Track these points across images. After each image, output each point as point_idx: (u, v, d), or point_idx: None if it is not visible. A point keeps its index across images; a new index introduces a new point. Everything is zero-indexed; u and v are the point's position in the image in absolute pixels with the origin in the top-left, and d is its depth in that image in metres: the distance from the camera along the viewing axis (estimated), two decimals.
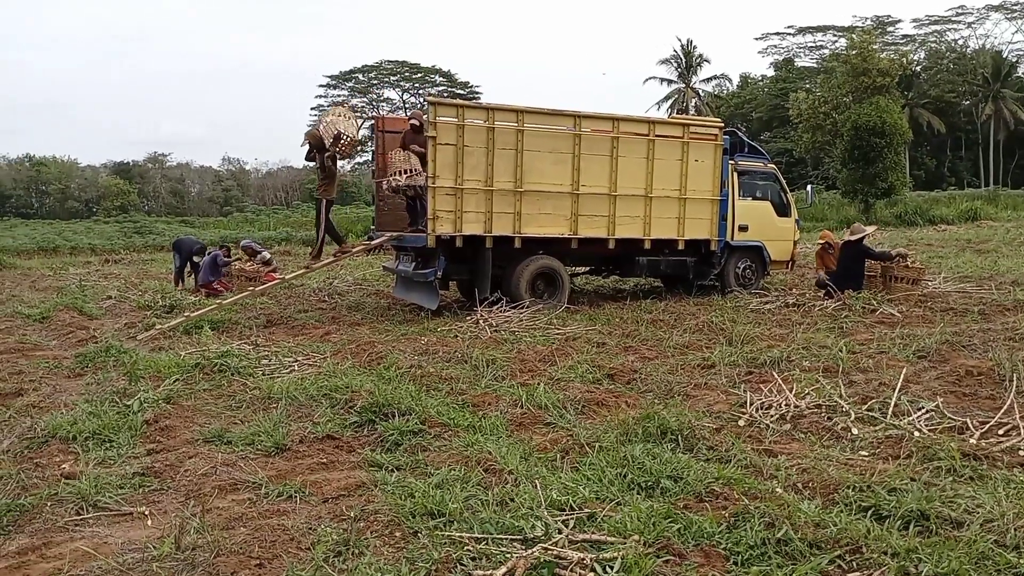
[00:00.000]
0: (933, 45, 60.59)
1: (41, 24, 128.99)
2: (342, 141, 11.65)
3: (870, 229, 13.55)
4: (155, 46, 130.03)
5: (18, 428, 5.81)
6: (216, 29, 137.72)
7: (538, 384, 6.78)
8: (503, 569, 3.34)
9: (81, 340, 9.76)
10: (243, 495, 4.54)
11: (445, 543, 3.69)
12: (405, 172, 11.51)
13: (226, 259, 14.87)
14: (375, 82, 66.07)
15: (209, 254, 14.96)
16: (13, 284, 17.56)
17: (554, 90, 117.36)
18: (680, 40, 71.89)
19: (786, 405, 6.00)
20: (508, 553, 3.53)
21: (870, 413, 5.75)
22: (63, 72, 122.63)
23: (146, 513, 4.30)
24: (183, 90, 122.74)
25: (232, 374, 7.48)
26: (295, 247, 28.27)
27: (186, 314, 10.66)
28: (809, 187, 20.18)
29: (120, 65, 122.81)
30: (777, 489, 4.28)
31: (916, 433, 5.24)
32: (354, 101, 65.94)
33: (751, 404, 6.10)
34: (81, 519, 4.23)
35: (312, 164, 12.77)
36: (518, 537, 3.70)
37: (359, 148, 12.32)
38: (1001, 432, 5.24)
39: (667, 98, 65.14)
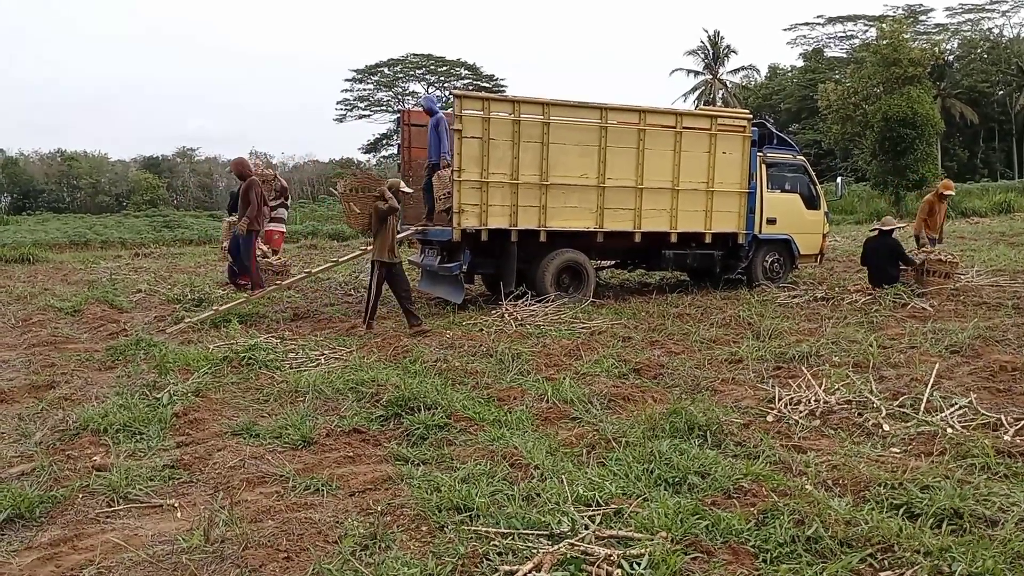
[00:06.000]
0: (966, 34, 59.47)
1: (69, 25, 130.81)
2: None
3: (901, 224, 13.33)
4: (182, 42, 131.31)
5: (50, 420, 5.90)
6: (239, 24, 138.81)
7: (564, 378, 6.76)
8: (529, 564, 3.34)
9: (112, 333, 9.88)
10: (271, 488, 4.57)
11: (471, 538, 3.69)
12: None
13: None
14: (400, 76, 66.09)
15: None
16: (45, 277, 17.83)
17: (579, 83, 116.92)
18: (707, 31, 71.31)
19: (815, 401, 5.93)
20: (534, 548, 3.52)
21: (902, 409, 5.67)
22: (93, 69, 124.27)
23: (176, 505, 4.35)
24: (210, 85, 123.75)
25: (260, 367, 7.54)
26: (321, 240, 28.41)
27: (214, 308, 10.76)
28: (839, 179, 19.94)
29: (149, 61, 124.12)
30: (807, 486, 4.24)
31: (949, 430, 5.16)
32: (380, 95, 66.15)
33: (780, 399, 6.04)
34: (112, 511, 4.28)
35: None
36: (544, 532, 3.69)
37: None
38: None
39: (694, 89, 64.61)
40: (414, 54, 64.87)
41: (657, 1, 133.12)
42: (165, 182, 61.58)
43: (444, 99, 59.73)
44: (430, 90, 65.72)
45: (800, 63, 65.33)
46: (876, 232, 12.05)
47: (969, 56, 57.17)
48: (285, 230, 14.84)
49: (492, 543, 3.61)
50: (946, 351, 7.61)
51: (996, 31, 59.46)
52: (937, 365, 6.64)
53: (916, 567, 3.33)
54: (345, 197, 11.00)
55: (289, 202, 15.12)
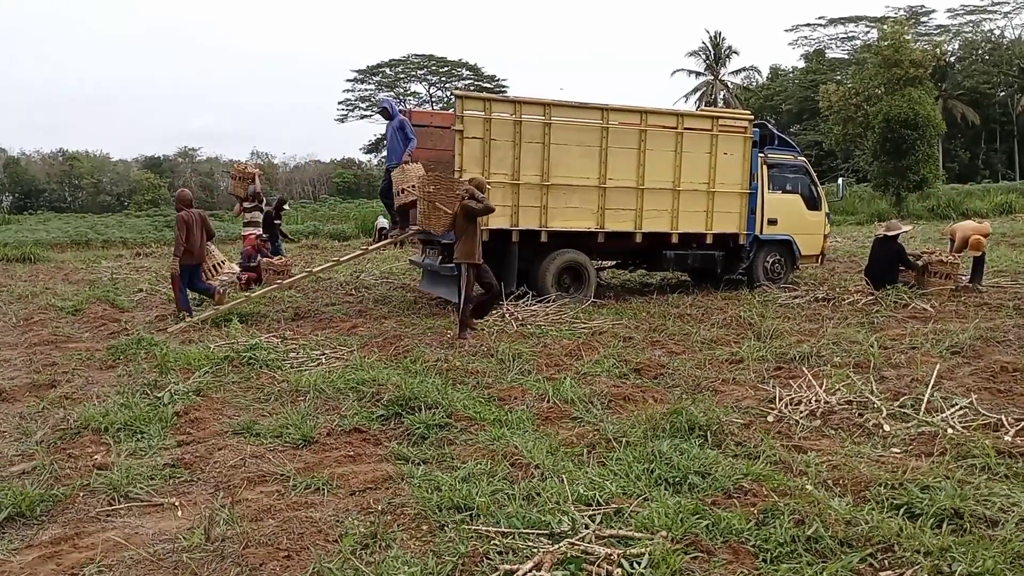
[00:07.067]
0: (968, 35, 59.44)
1: (69, 25, 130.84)
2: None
3: (907, 227, 13.26)
4: (182, 42, 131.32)
5: (51, 419, 5.91)
6: (239, 24, 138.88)
7: (564, 378, 6.76)
8: (530, 564, 3.34)
9: (113, 332, 9.89)
10: (271, 487, 4.57)
11: (472, 537, 3.69)
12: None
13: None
14: (402, 76, 66.19)
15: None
16: (47, 277, 17.84)
17: (580, 83, 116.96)
18: (709, 32, 71.34)
19: (816, 401, 5.93)
20: (535, 548, 3.52)
21: (902, 409, 5.67)
22: (93, 69, 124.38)
23: (176, 504, 4.35)
24: (211, 85, 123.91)
25: (260, 367, 7.54)
26: (322, 240, 28.43)
27: (215, 307, 10.76)
28: (840, 180, 19.90)
29: (149, 61, 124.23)
30: (807, 486, 4.24)
31: (949, 430, 5.16)
32: (381, 95, 66.21)
33: (780, 400, 6.04)
34: (113, 510, 4.29)
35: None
36: (545, 532, 3.69)
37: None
38: None
39: (695, 90, 64.63)
40: (415, 54, 64.98)
41: (658, 1, 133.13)
42: (167, 182, 61.62)
43: (445, 99, 59.88)
44: (431, 90, 65.83)
45: (801, 64, 65.41)
46: (882, 235, 12.03)
47: (970, 57, 57.16)
48: (259, 233, 14.84)
49: (492, 542, 3.61)
50: (947, 352, 7.61)
51: (997, 32, 59.52)
52: (938, 366, 6.64)
53: (916, 567, 3.33)
54: (430, 196, 9.96)
55: (264, 206, 15.12)
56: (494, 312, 10.09)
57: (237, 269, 12.37)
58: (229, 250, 19.86)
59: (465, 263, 9.07)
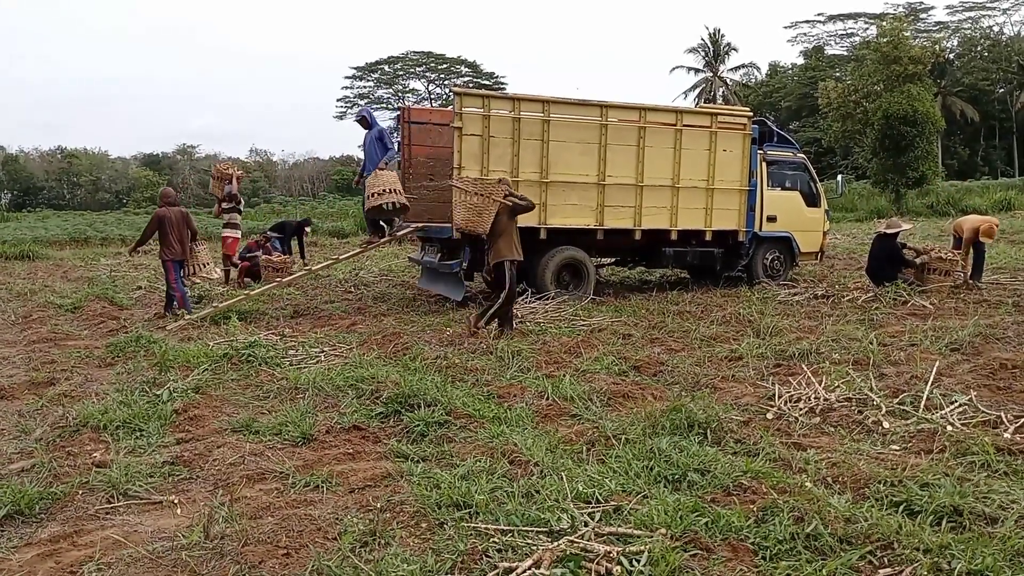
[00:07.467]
0: (967, 32, 59.39)
1: (69, 24, 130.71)
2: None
3: (907, 226, 13.24)
4: (182, 41, 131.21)
5: (50, 417, 5.90)
6: (240, 24, 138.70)
7: (564, 376, 6.75)
8: (529, 561, 3.33)
9: (112, 330, 9.89)
10: (271, 485, 4.57)
11: (471, 535, 3.69)
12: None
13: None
14: (401, 73, 66.16)
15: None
16: (46, 275, 17.82)
17: (580, 82, 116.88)
18: (708, 28, 71.32)
19: (815, 398, 5.93)
20: (534, 545, 3.51)
21: (902, 407, 5.67)
22: (93, 68, 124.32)
23: (175, 502, 4.35)
24: (211, 84, 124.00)
25: (259, 364, 7.54)
26: (321, 238, 28.40)
27: (214, 304, 10.75)
28: (839, 177, 19.89)
29: (149, 60, 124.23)
30: (806, 483, 4.23)
31: (949, 427, 5.16)
32: (380, 92, 66.18)
33: (780, 397, 6.03)
34: (112, 507, 4.28)
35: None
36: (544, 529, 3.69)
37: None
38: None
39: (694, 87, 64.61)
40: (414, 51, 64.91)
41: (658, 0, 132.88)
42: (165, 179, 61.61)
43: (444, 96, 59.82)
44: (429, 87, 65.78)
45: (801, 61, 65.38)
46: (882, 233, 12.01)
47: (969, 54, 57.12)
48: (239, 235, 14.75)
49: (491, 540, 3.60)
50: (946, 349, 7.60)
51: (996, 29, 59.47)
52: (937, 363, 6.63)
53: (915, 564, 3.32)
54: (490, 193, 9.10)
55: (242, 207, 15.05)
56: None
57: (216, 275, 12.39)
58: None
59: (507, 260, 9.02)
